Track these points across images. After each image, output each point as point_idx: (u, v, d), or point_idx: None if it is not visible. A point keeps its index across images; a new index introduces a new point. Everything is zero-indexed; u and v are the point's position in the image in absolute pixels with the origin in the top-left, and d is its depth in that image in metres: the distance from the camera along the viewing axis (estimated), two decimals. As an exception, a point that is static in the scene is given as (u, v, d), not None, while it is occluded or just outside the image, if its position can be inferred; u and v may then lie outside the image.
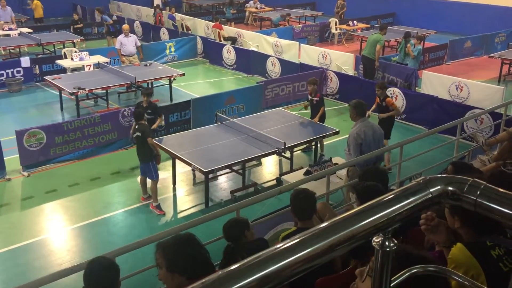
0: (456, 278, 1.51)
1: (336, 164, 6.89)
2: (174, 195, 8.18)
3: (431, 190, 1.20)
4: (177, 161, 8.11)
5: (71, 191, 8.19)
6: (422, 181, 1.22)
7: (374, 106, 9.09)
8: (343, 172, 7.07)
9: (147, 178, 7.68)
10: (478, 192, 1.17)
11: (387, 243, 1.14)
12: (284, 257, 1.03)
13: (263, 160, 9.06)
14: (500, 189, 1.17)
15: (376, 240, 1.14)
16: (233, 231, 4.09)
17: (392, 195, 1.17)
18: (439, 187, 1.20)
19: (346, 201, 6.39)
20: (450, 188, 1.19)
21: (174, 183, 8.37)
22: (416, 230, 2.99)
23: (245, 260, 1.02)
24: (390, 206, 1.13)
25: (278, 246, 1.06)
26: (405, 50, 12.99)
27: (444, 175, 1.30)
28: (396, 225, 1.13)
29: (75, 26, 17.39)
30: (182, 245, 2.80)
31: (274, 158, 9.27)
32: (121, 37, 13.27)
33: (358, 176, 4.98)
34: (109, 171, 8.82)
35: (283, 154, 8.42)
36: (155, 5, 21.39)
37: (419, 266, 1.27)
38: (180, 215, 7.65)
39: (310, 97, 9.45)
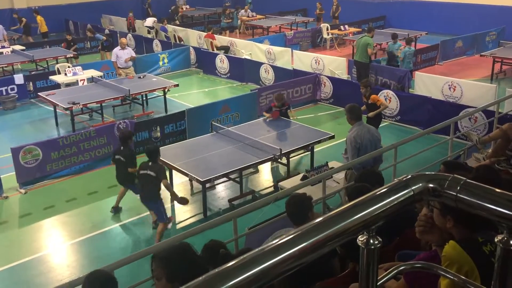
0: (447, 275, 1.53)
1: (332, 168, 6.90)
2: (172, 206, 8.16)
3: (412, 187, 1.22)
4: (174, 171, 8.11)
5: (69, 206, 8.18)
6: (404, 179, 1.24)
7: (363, 107, 9.13)
8: (340, 176, 7.10)
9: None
10: (458, 188, 1.19)
11: (371, 241, 1.16)
12: (272, 256, 1.05)
13: (260, 167, 9.06)
14: (480, 184, 1.20)
15: (361, 238, 1.16)
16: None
17: (375, 194, 1.19)
18: (420, 184, 1.22)
19: (344, 204, 6.41)
20: (431, 185, 1.22)
21: (171, 194, 8.37)
22: (413, 230, 3.01)
23: (238, 259, 1.04)
24: (373, 205, 1.15)
25: (268, 245, 1.08)
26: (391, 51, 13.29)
27: (425, 173, 1.32)
28: (380, 222, 1.15)
29: (71, 49, 17.12)
30: (182, 254, 2.77)
31: (271, 165, 9.28)
32: (116, 50, 13.32)
33: (354, 179, 5.01)
34: (106, 185, 8.80)
35: (279, 160, 8.43)
36: (131, 13, 21.74)
37: (406, 263, 1.29)
38: (178, 226, 7.65)
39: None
